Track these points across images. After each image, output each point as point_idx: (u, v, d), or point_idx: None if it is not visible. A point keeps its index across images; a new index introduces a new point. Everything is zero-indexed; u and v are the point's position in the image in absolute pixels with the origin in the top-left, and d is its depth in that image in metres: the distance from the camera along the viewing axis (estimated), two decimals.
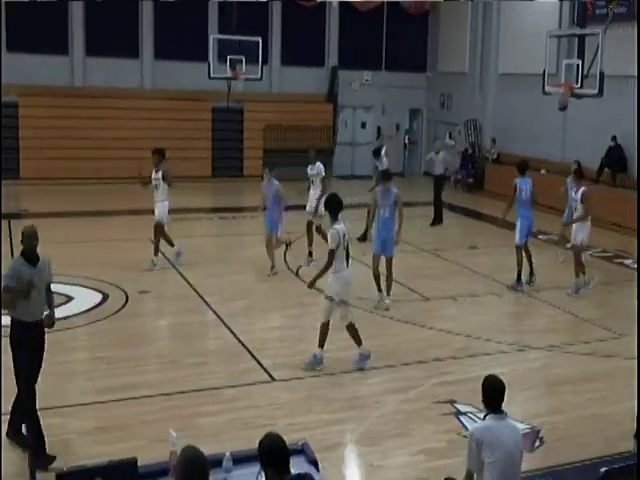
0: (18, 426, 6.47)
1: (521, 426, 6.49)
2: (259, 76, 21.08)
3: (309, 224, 12.93)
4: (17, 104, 20.73)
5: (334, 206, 8.17)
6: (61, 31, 21.67)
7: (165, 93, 22.11)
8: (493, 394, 4.56)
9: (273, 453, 3.84)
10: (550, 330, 10.09)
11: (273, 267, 12.12)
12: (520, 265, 11.86)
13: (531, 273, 11.98)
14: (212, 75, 20.50)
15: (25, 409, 6.26)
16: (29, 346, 6.18)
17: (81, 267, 11.83)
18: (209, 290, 11.11)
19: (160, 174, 11.99)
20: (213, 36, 21.32)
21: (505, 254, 12.98)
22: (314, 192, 12.95)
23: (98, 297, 10.53)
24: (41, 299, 6.28)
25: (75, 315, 9.80)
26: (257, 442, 3.89)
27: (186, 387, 7.75)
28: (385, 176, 10.67)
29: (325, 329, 8.33)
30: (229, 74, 20.68)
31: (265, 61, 22.12)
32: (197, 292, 11.10)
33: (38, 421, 6.25)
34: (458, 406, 7.46)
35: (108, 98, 21.32)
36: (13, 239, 12.95)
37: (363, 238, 13.48)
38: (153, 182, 12.09)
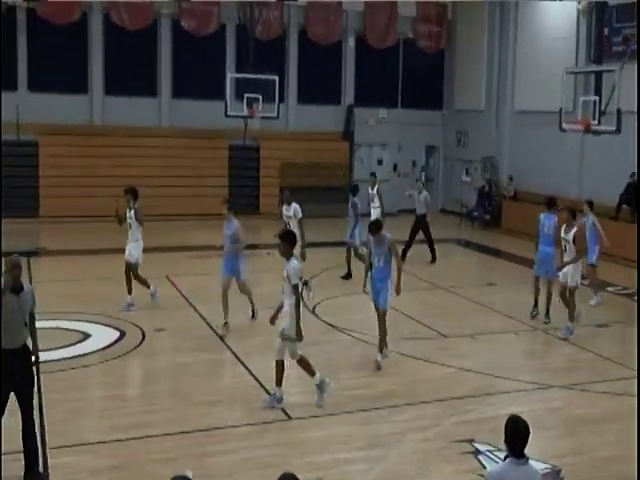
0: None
1: (541, 466, 6.35)
2: (275, 114, 21.28)
3: None
4: (37, 143, 21.05)
5: (292, 240, 8.11)
6: (81, 70, 22.07)
7: (182, 131, 22.37)
8: (515, 437, 4.40)
9: None
10: (570, 369, 9.93)
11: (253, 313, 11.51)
12: (536, 295, 11.94)
13: (546, 314, 11.85)
14: (229, 113, 20.72)
15: None
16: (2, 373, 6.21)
17: (99, 304, 11.85)
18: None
19: (133, 213, 11.86)
20: (230, 75, 21.61)
21: (523, 291, 12.86)
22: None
23: (115, 334, 10.52)
24: (22, 327, 6.32)
25: (92, 352, 9.79)
26: None
27: (201, 425, 7.67)
28: (374, 228, 9.60)
29: (302, 363, 8.30)
30: (246, 112, 20.88)
31: (282, 99, 22.35)
32: (213, 330, 11.06)
33: None
34: (477, 445, 7.33)
35: (126, 137, 21.58)
36: (32, 276, 13.06)
37: (348, 276, 14.05)
38: (127, 221, 11.95)
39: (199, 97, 22.50)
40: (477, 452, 7.19)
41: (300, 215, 12.64)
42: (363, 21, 24.19)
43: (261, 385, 8.81)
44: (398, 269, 9.57)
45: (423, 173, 25.57)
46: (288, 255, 8.00)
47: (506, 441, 4.45)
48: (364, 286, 9.81)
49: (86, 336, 10.18)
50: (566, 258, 11.23)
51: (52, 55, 21.34)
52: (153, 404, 8.40)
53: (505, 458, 4.53)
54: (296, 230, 11.83)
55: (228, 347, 10.30)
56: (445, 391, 8.84)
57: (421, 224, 16.67)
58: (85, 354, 9.51)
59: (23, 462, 6.41)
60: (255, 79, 21.02)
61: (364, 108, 24.50)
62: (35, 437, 6.49)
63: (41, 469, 6.50)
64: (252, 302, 11.47)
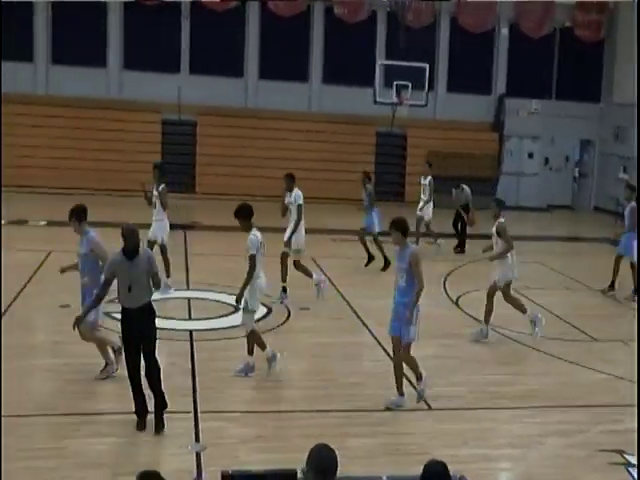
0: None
1: None
2: (424, 102, 21.08)
3: (283, 256, 11.63)
4: (196, 123, 22.06)
5: (247, 214, 8.39)
6: (237, 55, 22.85)
7: (330, 117, 22.65)
8: None
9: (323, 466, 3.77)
10: None
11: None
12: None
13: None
14: (377, 100, 20.75)
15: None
16: (127, 329, 6.91)
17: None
18: (367, 311, 11.14)
19: (157, 192, 11.44)
20: (380, 62, 21.64)
21: None
22: (290, 223, 11.67)
23: (262, 310, 10.88)
24: (141, 289, 6.85)
25: (240, 326, 10.16)
26: (411, 469, 3.82)
27: (341, 406, 7.80)
28: (393, 226, 7.66)
29: (254, 337, 8.41)
30: (394, 100, 20.83)
31: (431, 87, 22.12)
32: (355, 312, 11.19)
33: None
34: (628, 457, 6.97)
35: (277, 120, 22.15)
36: (188, 248, 13.76)
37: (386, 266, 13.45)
38: (153, 200, 11.61)
39: (348, 83, 22.69)
40: (628, 464, 6.85)
41: (300, 202, 11.53)
42: (517, 9, 23.43)
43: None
44: (416, 294, 7.54)
45: (577, 168, 24.53)
46: (246, 229, 8.37)
47: None
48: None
49: (235, 309, 10.60)
50: None
51: (212, 40, 22.25)
52: (297, 381, 8.63)
53: None
54: (293, 217, 11.48)
55: (369, 331, 10.39)
56: (593, 397, 8.47)
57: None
58: (234, 327, 9.90)
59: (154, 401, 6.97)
60: (405, 66, 20.93)
61: (515, 98, 23.78)
62: (159, 383, 7.01)
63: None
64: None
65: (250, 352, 8.49)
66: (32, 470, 6.06)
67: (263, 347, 8.51)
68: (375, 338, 10.07)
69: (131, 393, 7.00)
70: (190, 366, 8.61)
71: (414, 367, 7.86)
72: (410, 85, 20.85)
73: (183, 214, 16.83)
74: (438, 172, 22.20)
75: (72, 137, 20.94)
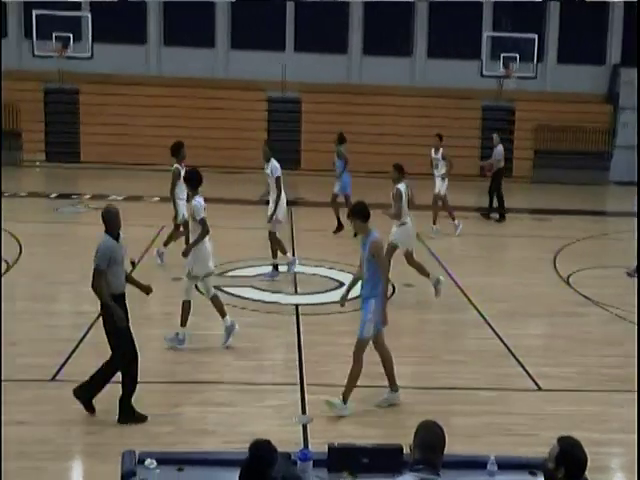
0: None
1: None
2: (533, 74, 20.41)
3: (270, 235, 11.06)
4: (300, 100, 22.27)
5: (194, 181, 8.38)
6: (340, 31, 22.84)
7: (435, 90, 22.29)
8: None
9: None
10: None
11: None
12: None
13: None
14: (484, 73, 20.25)
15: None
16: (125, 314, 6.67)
17: (352, 256, 12.32)
18: (473, 289, 11.02)
19: (178, 169, 10.89)
20: (487, 34, 21.07)
21: None
22: (271, 195, 10.99)
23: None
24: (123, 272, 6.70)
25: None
26: (519, 450, 3.75)
27: (444, 384, 7.76)
28: (351, 212, 7.01)
29: (187, 307, 8.25)
30: (502, 72, 20.27)
31: (540, 58, 21.37)
32: (461, 290, 11.07)
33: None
34: None
35: (380, 95, 22.01)
36: (294, 224, 13.95)
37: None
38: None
39: (453, 56, 22.24)
40: None
41: (278, 174, 10.84)
42: None
43: (509, 351, 8.67)
44: (383, 289, 6.94)
45: None
46: (192, 196, 8.35)
47: None
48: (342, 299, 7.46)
49: (340, 284, 10.70)
50: None
51: (315, 17, 22.32)
52: (398, 357, 8.61)
53: None
54: (272, 190, 10.89)
55: (475, 307, 10.26)
56: None
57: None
58: (336, 302, 9.99)
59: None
60: (512, 38, 20.31)
61: (631, 68, 22.54)
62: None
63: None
64: None
65: (222, 315, 8.39)
66: (147, 434, 6.38)
67: (223, 314, 8.40)
68: (481, 315, 9.95)
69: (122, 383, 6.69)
70: (296, 340, 8.78)
71: (351, 381, 6.99)
72: (518, 57, 20.21)
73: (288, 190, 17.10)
74: (549, 146, 21.67)
75: (181, 116, 21.56)
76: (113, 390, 6.62)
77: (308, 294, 10.64)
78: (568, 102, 22.15)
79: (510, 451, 5.95)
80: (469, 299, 10.64)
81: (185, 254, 8.40)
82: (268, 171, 10.94)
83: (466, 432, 6.64)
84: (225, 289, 10.32)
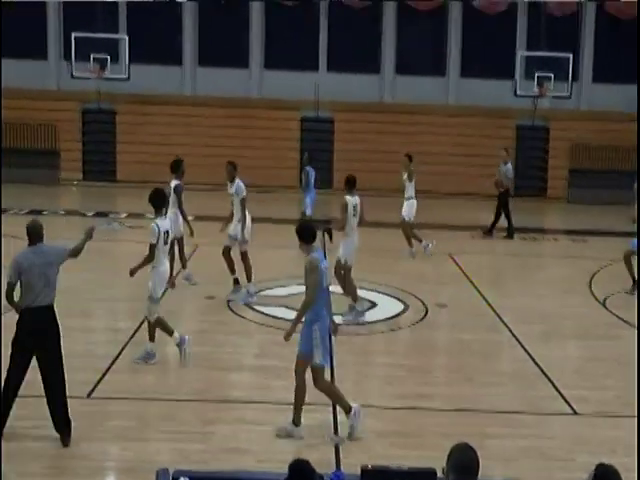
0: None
1: None
2: (568, 93, 20.26)
3: (225, 250, 10.77)
4: (333, 120, 22.37)
5: (156, 201, 8.26)
6: (373, 51, 22.97)
7: (469, 109, 22.25)
8: None
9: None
10: None
11: None
12: None
13: None
14: (518, 92, 20.16)
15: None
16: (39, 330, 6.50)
17: (384, 276, 12.33)
18: (506, 309, 10.91)
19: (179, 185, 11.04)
20: (521, 53, 21.01)
21: None
22: (236, 215, 10.82)
23: (399, 306, 10.89)
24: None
25: (378, 321, 10.25)
26: (555, 475, 3.68)
27: (480, 406, 7.67)
28: (297, 233, 6.83)
29: (158, 325, 8.21)
30: (536, 91, 20.17)
31: (575, 77, 21.22)
32: (494, 310, 10.97)
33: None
34: None
35: (413, 114, 22.03)
36: (326, 245, 13.96)
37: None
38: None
39: (487, 76, 22.20)
40: None
41: (243, 194, 10.69)
42: None
43: (544, 373, 8.56)
44: (301, 308, 6.77)
45: None
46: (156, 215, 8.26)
47: None
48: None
49: (373, 305, 10.68)
50: None
51: (348, 37, 22.49)
52: (434, 377, 8.58)
53: None
54: (238, 210, 10.68)
55: (509, 329, 10.15)
56: None
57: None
58: (371, 322, 9.99)
59: None
60: (547, 57, 20.22)
61: None
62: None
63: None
64: None
65: (151, 338, 8.31)
66: (179, 451, 6.39)
67: (170, 333, 8.33)
68: (514, 336, 9.84)
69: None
70: (329, 359, 8.74)
71: (336, 398, 6.88)
72: (552, 76, 20.09)
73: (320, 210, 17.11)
74: (585, 165, 21.43)
75: (215, 135, 21.83)
76: (147, 406, 6.66)
77: (341, 315, 10.61)
78: (603, 121, 21.95)
79: (546, 476, 5.87)
80: (502, 320, 10.53)
81: (132, 274, 8.18)
82: (232, 190, 10.80)
83: (501, 455, 6.55)
84: (257, 308, 10.36)
